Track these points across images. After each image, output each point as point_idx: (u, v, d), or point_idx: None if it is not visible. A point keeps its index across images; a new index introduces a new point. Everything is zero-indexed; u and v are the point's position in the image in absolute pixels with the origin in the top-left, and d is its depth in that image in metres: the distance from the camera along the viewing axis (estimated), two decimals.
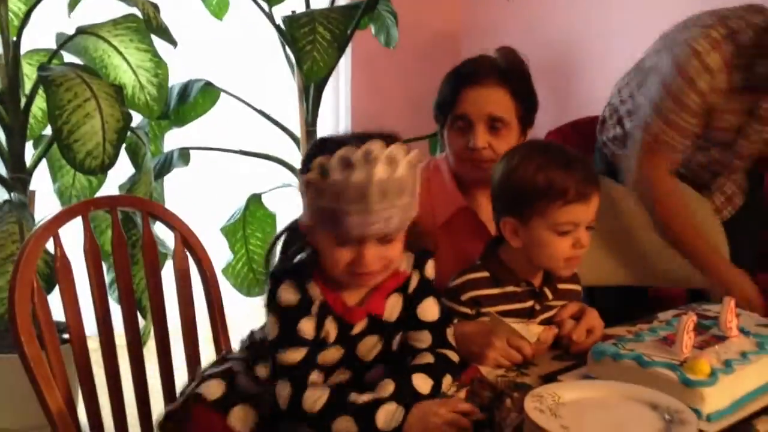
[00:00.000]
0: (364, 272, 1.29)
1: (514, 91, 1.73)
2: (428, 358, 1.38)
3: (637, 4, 3.56)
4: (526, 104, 1.77)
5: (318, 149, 1.30)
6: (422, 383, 1.33)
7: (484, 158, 1.71)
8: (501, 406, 1.28)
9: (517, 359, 1.49)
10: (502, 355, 1.48)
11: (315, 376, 1.32)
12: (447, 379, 1.38)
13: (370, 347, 1.38)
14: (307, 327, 1.32)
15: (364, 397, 1.28)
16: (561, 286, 1.62)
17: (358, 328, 1.36)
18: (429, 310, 1.40)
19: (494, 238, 1.63)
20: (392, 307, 1.38)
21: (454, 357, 1.41)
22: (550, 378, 1.42)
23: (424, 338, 1.40)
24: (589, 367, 1.39)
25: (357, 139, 1.28)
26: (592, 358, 1.39)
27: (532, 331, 1.51)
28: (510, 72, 1.75)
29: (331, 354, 1.36)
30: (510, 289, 1.57)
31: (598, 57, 3.73)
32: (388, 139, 1.30)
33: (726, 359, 1.32)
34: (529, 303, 1.58)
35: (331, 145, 1.27)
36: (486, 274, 1.57)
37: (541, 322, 1.57)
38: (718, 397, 1.25)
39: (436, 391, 1.34)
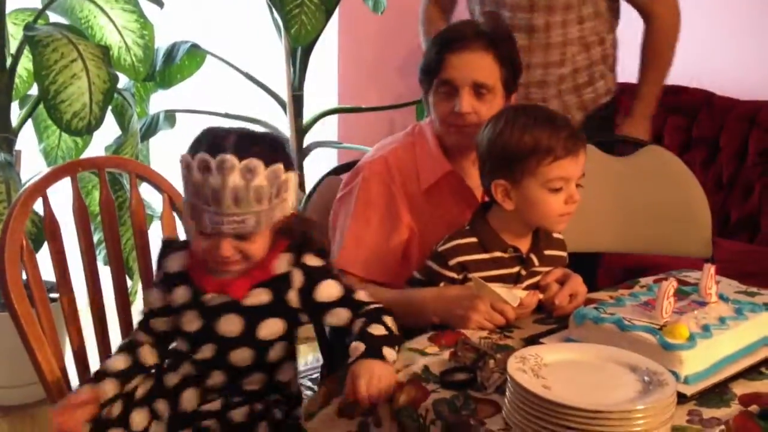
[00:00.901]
0: (219, 261, 1.39)
1: (499, 56, 1.73)
2: (359, 323, 1.44)
3: None
4: (511, 69, 1.76)
5: (197, 141, 1.39)
6: (376, 331, 1.41)
7: (469, 123, 1.71)
8: (484, 366, 1.31)
9: (500, 322, 1.51)
10: (486, 318, 1.51)
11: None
12: (388, 318, 1.45)
13: (230, 325, 1.44)
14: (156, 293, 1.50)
15: None
16: (547, 252, 1.65)
17: (210, 298, 1.44)
18: (326, 290, 1.47)
19: (482, 204, 1.65)
20: (256, 296, 1.44)
21: (375, 304, 1.48)
22: (532, 341, 1.44)
23: (341, 314, 1.47)
24: (571, 330, 1.42)
25: (239, 137, 1.37)
26: (574, 321, 1.41)
27: (515, 295, 1.54)
28: (495, 36, 1.75)
29: (190, 321, 1.46)
30: (497, 254, 1.59)
31: None
32: (274, 143, 1.41)
33: (704, 324, 1.35)
34: (516, 269, 1.61)
35: (209, 138, 1.37)
36: (474, 239, 1.59)
37: (527, 288, 1.60)
38: (696, 360, 1.28)
39: (391, 332, 1.42)
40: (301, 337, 3.16)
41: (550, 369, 1.22)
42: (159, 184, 1.78)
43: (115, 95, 2.55)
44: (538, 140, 1.50)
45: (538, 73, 2.27)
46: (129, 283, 2.37)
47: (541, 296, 1.58)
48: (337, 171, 2.00)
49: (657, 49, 2.38)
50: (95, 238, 2.29)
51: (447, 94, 1.73)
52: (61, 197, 1.69)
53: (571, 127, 1.53)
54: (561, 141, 1.50)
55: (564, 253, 1.70)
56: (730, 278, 1.79)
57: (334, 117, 3.81)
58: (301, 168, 3.33)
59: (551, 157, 1.50)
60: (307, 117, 3.35)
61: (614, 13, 2.38)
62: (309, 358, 3.10)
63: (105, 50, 2.49)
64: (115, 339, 1.69)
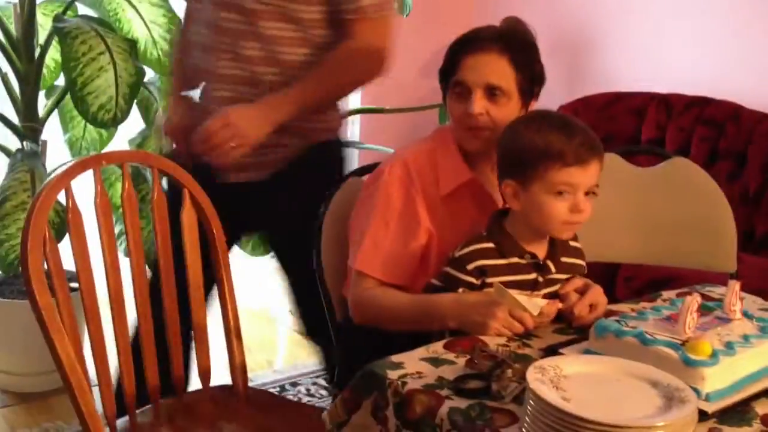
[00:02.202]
0: None
1: (515, 61, 1.71)
2: None
3: None
4: (528, 75, 1.73)
5: None
6: None
7: (481, 125, 1.70)
8: (501, 375, 1.30)
9: (518, 330, 1.50)
10: (504, 326, 1.50)
11: None
12: None
13: None
14: None
15: None
16: (565, 259, 1.64)
17: None
18: None
19: (499, 210, 1.64)
20: None
21: None
22: (551, 351, 1.43)
23: None
24: (591, 342, 1.41)
25: None
26: (595, 333, 1.40)
27: (536, 304, 1.53)
28: (512, 41, 1.73)
29: None
30: (514, 260, 1.59)
31: (614, 33, 3.71)
32: None
33: (728, 341, 1.33)
34: (533, 275, 1.60)
35: None
36: (491, 245, 1.59)
37: (545, 296, 1.59)
38: (718, 377, 1.26)
39: None
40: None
41: (570, 381, 1.21)
42: (181, 179, 1.78)
43: (141, 89, 2.57)
44: (549, 144, 1.51)
45: None
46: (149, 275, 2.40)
47: (560, 305, 1.56)
48: (359, 172, 1.99)
49: (333, 61, 1.95)
50: (117, 230, 2.32)
51: (461, 96, 1.72)
52: (84, 188, 1.70)
53: (586, 136, 1.53)
54: (572, 147, 1.50)
55: (582, 262, 1.69)
56: (753, 295, 1.78)
57: (357, 117, 3.80)
58: None
59: (560, 162, 1.50)
60: None
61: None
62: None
63: (132, 43, 2.51)
64: (134, 330, 1.70)
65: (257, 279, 3.57)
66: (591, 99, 3.50)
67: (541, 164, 1.51)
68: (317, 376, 2.96)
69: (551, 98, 3.65)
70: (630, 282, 2.74)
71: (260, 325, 3.41)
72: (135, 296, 1.71)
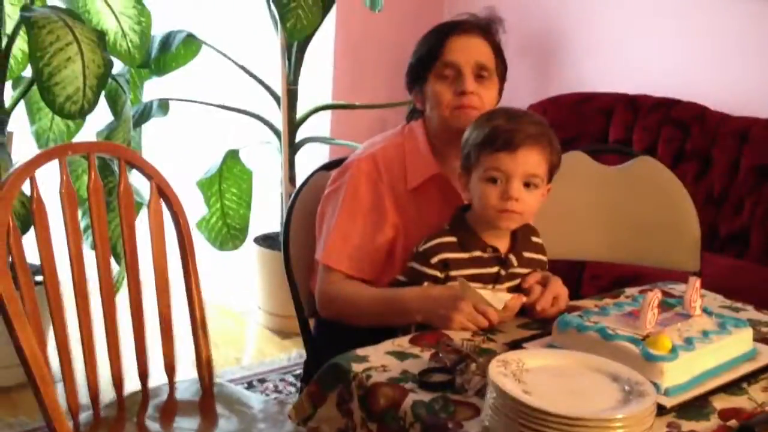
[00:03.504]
0: None
1: (494, 45, 1.78)
2: None
3: None
4: (503, 59, 1.81)
5: None
6: None
7: (474, 104, 1.73)
8: (465, 369, 1.31)
9: (483, 324, 1.52)
10: (469, 320, 1.51)
11: None
12: None
13: None
14: None
15: None
16: (526, 254, 1.66)
17: None
18: None
19: (463, 205, 1.66)
20: None
21: None
22: (515, 345, 1.45)
23: None
24: (554, 336, 1.43)
25: None
26: (557, 328, 1.42)
27: (500, 299, 1.54)
28: (491, 26, 1.80)
29: None
30: (476, 254, 1.61)
31: (584, 35, 3.74)
32: None
33: (687, 337, 1.35)
34: (495, 269, 1.62)
35: None
36: (453, 239, 1.60)
37: (507, 289, 1.60)
38: (677, 372, 1.28)
39: None
40: (286, 332, 3.19)
41: (532, 374, 1.22)
42: (148, 171, 1.77)
43: (110, 80, 2.54)
44: (484, 131, 1.56)
45: None
46: (117, 269, 2.38)
47: (525, 299, 1.58)
48: (327, 167, 2.00)
49: None
50: (83, 224, 2.30)
51: (449, 78, 1.74)
52: (51, 179, 1.68)
53: (524, 125, 1.55)
54: (503, 134, 1.54)
55: (544, 257, 1.71)
56: (717, 293, 1.80)
57: (328, 113, 3.80)
58: (292, 162, 3.32)
59: (490, 148, 1.54)
60: (300, 112, 3.34)
61: None
62: (293, 353, 3.09)
63: (101, 35, 2.48)
64: (99, 324, 1.69)
65: (226, 274, 3.56)
66: (560, 98, 3.53)
67: (477, 151, 1.57)
68: (285, 372, 2.96)
69: (522, 97, 3.69)
70: (596, 280, 2.76)
71: (228, 321, 3.40)
72: (100, 289, 1.70)
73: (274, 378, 2.92)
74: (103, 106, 2.61)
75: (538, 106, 3.50)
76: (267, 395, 2.79)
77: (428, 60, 1.76)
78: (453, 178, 1.76)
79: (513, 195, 1.54)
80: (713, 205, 3.02)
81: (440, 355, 1.37)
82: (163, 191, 1.78)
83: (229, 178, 3.24)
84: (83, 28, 2.44)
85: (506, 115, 1.59)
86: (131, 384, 1.77)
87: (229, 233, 3.26)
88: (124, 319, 1.74)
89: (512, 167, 1.54)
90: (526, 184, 1.56)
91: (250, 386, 2.85)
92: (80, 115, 2.40)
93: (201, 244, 3.12)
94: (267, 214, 3.47)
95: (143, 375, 1.77)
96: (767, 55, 3.16)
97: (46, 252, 1.59)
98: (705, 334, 1.37)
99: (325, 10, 2.90)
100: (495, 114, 1.62)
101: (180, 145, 3.61)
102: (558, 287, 1.63)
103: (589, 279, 2.80)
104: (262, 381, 2.89)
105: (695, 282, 1.46)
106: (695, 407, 1.27)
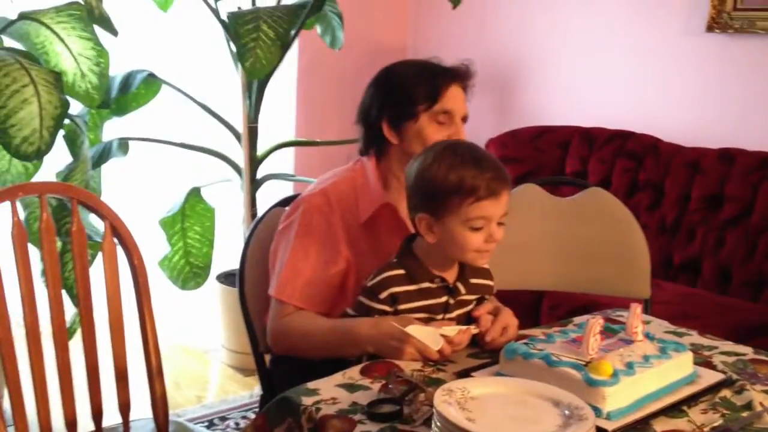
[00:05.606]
0: None
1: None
2: None
3: (578, 22, 3.66)
4: None
5: None
6: None
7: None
8: (414, 399, 1.33)
9: (433, 356, 1.53)
10: (418, 351, 1.53)
11: None
12: None
13: None
14: None
15: None
16: (473, 280, 1.68)
17: None
18: None
19: (409, 236, 1.68)
20: None
21: None
22: (464, 374, 1.47)
23: None
24: (501, 365, 1.45)
25: None
26: (504, 356, 1.44)
27: (438, 339, 1.52)
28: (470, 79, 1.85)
29: None
30: (425, 285, 1.62)
31: (541, 70, 3.82)
32: None
33: (629, 361, 1.38)
34: (444, 298, 1.64)
35: None
36: (401, 271, 1.62)
37: (457, 317, 1.62)
38: (618, 396, 1.31)
39: None
40: (249, 369, 3.16)
41: (476, 402, 1.25)
42: (102, 211, 1.78)
43: (68, 121, 2.55)
44: (462, 180, 1.52)
45: None
46: (75, 310, 2.36)
47: (474, 331, 1.60)
48: (283, 203, 2.02)
49: None
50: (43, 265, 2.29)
51: (444, 124, 1.79)
52: (4, 220, 1.69)
53: (496, 169, 1.56)
54: (484, 182, 1.52)
55: (491, 282, 1.73)
56: (671, 319, 1.84)
57: (291, 150, 3.83)
58: (254, 199, 3.34)
59: (473, 197, 1.52)
60: (262, 149, 3.37)
61: None
62: (255, 390, 3.08)
63: (57, 76, 2.49)
64: (51, 365, 1.68)
65: (189, 313, 3.55)
66: (519, 132, 3.60)
67: (456, 199, 1.53)
68: (247, 410, 2.94)
69: (482, 131, 3.74)
70: (554, 310, 2.80)
71: (191, 360, 3.38)
72: (53, 329, 1.70)
73: (236, 416, 2.90)
74: (63, 147, 2.62)
75: (498, 140, 3.56)
76: None
77: (425, 101, 1.78)
78: (400, 208, 1.78)
79: (497, 238, 1.56)
80: (667, 234, 3.08)
81: (390, 386, 1.39)
82: (117, 231, 1.78)
83: (191, 216, 3.24)
84: (40, 69, 2.45)
85: (471, 158, 1.55)
86: (85, 424, 1.76)
87: (191, 272, 3.26)
88: (79, 360, 1.74)
89: (495, 212, 1.55)
90: (499, 222, 1.58)
91: (211, 425, 2.83)
92: (37, 156, 2.40)
93: (163, 282, 3.11)
94: (229, 251, 3.48)
95: (97, 415, 1.77)
96: (717, 88, 3.25)
97: None
98: (646, 358, 1.40)
99: (284, 49, 2.94)
100: (452, 153, 1.56)
101: (142, 184, 3.62)
102: (508, 317, 1.66)
103: (548, 309, 2.84)
104: (223, 419, 2.88)
105: (636, 308, 1.49)
106: (637, 430, 1.29)
